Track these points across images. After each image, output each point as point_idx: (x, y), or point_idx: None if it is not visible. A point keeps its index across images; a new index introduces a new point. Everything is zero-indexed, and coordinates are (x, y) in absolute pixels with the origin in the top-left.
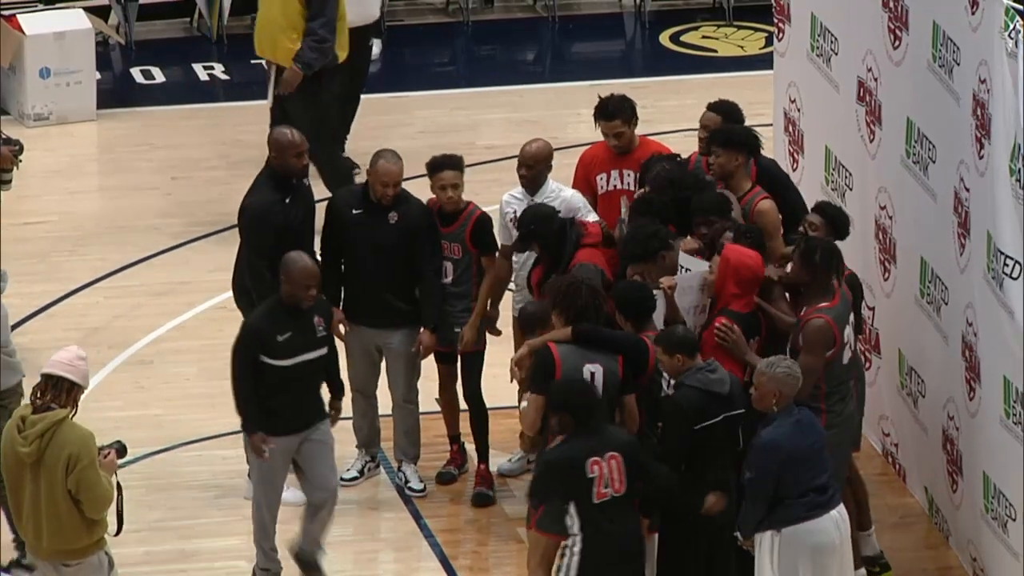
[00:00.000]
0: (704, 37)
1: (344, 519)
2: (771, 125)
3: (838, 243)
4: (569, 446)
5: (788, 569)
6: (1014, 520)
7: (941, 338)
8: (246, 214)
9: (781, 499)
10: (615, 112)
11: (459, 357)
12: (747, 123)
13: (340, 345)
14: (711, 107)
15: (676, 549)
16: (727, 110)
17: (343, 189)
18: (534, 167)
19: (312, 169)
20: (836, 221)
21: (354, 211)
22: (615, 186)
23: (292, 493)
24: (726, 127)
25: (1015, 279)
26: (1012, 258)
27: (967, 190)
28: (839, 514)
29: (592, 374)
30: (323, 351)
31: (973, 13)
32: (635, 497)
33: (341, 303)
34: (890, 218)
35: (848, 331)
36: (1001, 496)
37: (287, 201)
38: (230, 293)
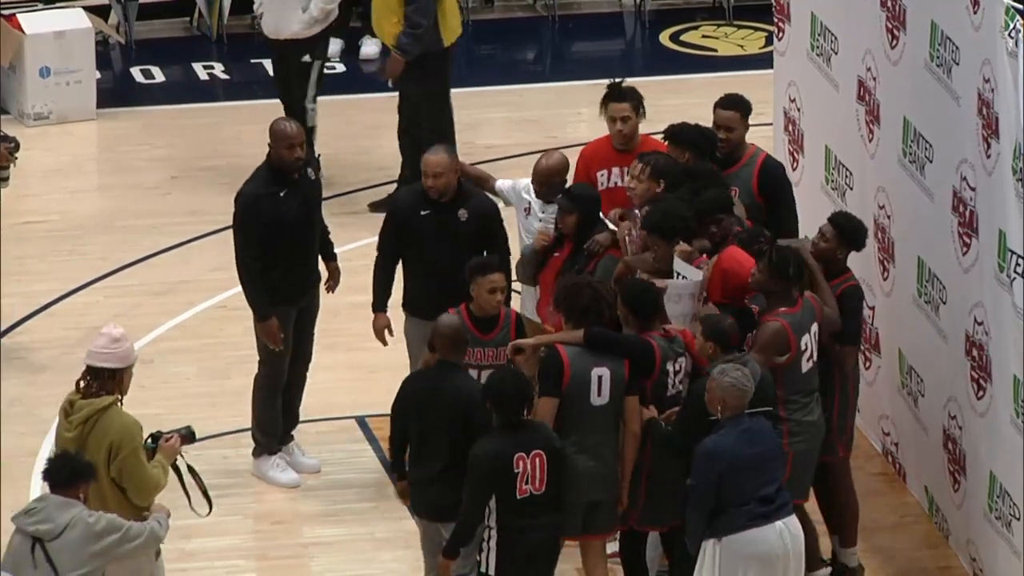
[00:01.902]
0: (704, 36)
1: (343, 519)
2: (771, 124)
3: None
4: (497, 440)
5: None
6: (1018, 519)
7: (940, 338)
8: (237, 203)
9: (723, 507)
10: (625, 95)
11: None
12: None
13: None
14: (722, 104)
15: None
16: (735, 102)
17: (404, 190)
18: (545, 183)
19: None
20: (848, 234)
21: (422, 212)
22: (616, 183)
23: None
24: (678, 125)
25: None
26: (1023, 257)
27: (972, 189)
28: (785, 526)
29: (600, 377)
30: None
31: (975, 12)
32: (554, 498)
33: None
34: (888, 217)
35: (807, 339)
36: (1006, 495)
37: (282, 194)
38: (230, 292)
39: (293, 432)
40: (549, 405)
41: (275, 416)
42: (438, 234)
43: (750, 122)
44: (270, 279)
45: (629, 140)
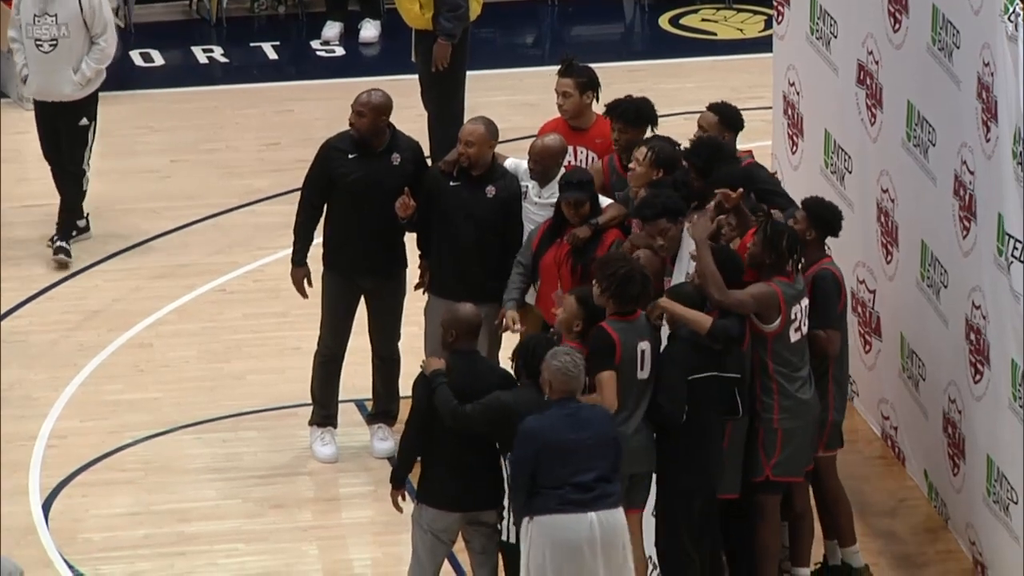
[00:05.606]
0: (703, 20)
1: (342, 502)
2: (770, 108)
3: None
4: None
5: (536, 558)
6: (1016, 503)
7: (941, 322)
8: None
9: (538, 489)
10: (572, 71)
11: None
12: (746, 107)
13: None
14: (709, 107)
15: (671, 518)
16: (718, 109)
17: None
18: (540, 162)
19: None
20: (820, 218)
21: (452, 183)
22: (569, 161)
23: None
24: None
25: (1023, 262)
26: (1021, 241)
27: (971, 173)
28: (600, 517)
29: (643, 352)
30: None
31: None
32: None
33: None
34: (892, 201)
35: (796, 310)
36: (1003, 479)
37: (350, 156)
38: (229, 276)
39: (378, 414)
40: (613, 379)
41: (322, 388)
42: (463, 207)
43: (753, 106)
44: (328, 240)
45: (575, 117)
